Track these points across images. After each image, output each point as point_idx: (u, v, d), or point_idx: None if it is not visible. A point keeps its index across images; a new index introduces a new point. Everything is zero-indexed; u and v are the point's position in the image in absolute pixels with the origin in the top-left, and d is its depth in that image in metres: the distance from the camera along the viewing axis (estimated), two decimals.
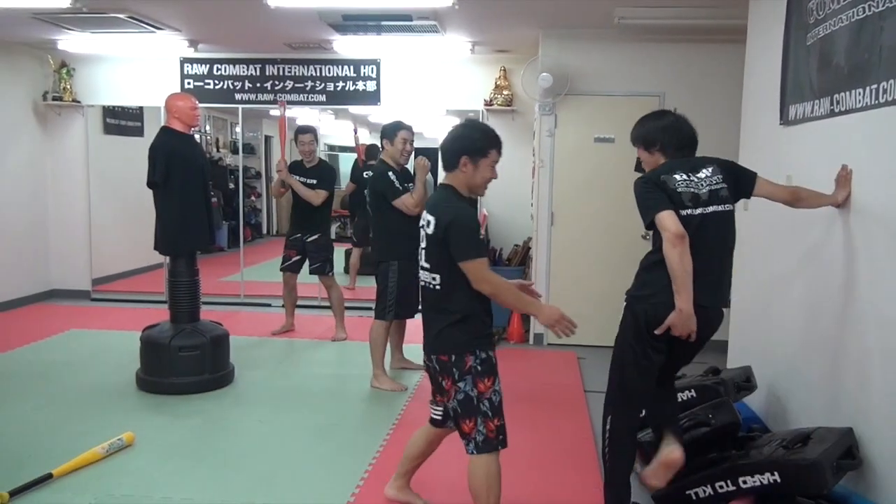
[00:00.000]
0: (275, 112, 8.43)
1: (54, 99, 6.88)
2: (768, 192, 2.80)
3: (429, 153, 5.09)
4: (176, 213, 4.22)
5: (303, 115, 7.91)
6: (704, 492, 2.64)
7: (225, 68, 6.82)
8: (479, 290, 2.42)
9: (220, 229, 9.41)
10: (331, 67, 6.71)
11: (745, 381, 3.42)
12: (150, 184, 4.19)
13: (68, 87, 6.88)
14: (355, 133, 6.77)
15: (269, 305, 6.82)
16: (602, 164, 5.55)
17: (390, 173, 4.29)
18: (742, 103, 4.07)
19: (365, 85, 6.71)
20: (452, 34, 5.73)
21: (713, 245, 2.58)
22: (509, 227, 6.66)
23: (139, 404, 4.13)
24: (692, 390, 3.36)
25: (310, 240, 5.47)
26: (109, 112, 7.43)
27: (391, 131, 4.39)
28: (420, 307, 2.69)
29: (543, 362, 5.20)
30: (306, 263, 5.56)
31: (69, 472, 3.15)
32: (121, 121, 7.60)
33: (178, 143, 4.24)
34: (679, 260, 2.42)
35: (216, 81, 6.84)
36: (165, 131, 4.29)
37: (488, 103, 6.54)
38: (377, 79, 6.68)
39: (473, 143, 2.47)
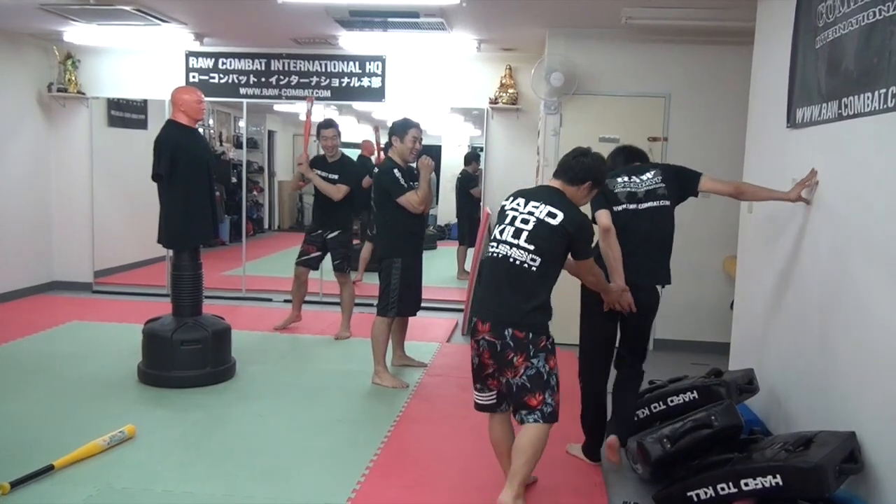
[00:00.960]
0: (279, 107, 8.49)
1: (59, 90, 6.88)
2: (714, 188, 3.25)
3: (432, 151, 5.09)
4: (180, 207, 4.22)
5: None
6: (706, 493, 2.64)
7: (230, 62, 6.81)
8: (585, 279, 2.99)
9: (223, 223, 9.42)
10: (336, 63, 6.71)
11: (748, 384, 3.41)
12: (154, 177, 4.19)
13: (73, 78, 6.88)
14: (376, 132, 6.76)
15: (271, 300, 6.83)
16: None
17: (395, 171, 4.29)
18: (749, 105, 4.06)
19: (370, 81, 6.70)
20: (459, 32, 5.72)
21: (646, 233, 3.16)
22: None
23: (140, 397, 4.14)
24: (694, 392, 3.36)
25: (330, 236, 5.44)
26: (114, 104, 7.42)
27: (402, 129, 4.37)
28: (482, 280, 2.87)
29: None
30: (327, 259, 5.55)
31: (70, 463, 3.15)
32: (125, 113, 7.59)
33: (183, 136, 4.23)
34: (608, 247, 3.06)
35: (221, 75, 6.84)
36: (171, 124, 4.28)
37: (493, 101, 6.54)
38: (382, 75, 6.68)
39: (602, 178, 2.90)
